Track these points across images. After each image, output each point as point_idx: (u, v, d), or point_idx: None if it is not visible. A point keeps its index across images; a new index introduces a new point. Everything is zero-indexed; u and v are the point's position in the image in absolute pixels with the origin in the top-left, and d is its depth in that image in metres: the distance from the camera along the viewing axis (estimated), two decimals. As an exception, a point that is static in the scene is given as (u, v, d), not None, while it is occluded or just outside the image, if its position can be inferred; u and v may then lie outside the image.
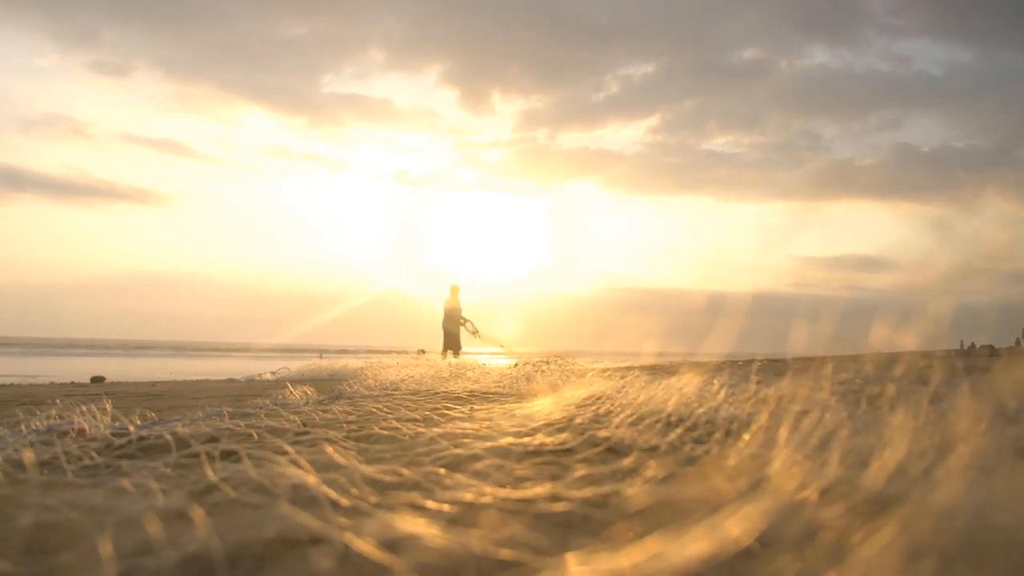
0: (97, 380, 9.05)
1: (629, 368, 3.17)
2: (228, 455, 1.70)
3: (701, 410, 1.87)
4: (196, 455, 1.72)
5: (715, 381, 2.11)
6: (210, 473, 1.35)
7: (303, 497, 1.16)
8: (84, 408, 2.23)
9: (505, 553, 0.76)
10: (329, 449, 1.39)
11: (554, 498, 0.99)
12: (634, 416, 2.02)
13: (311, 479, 1.20)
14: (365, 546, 0.73)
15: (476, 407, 2.84)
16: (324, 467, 1.42)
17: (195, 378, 10.05)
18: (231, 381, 8.78)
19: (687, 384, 2.28)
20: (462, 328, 13.28)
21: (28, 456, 1.55)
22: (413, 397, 3.48)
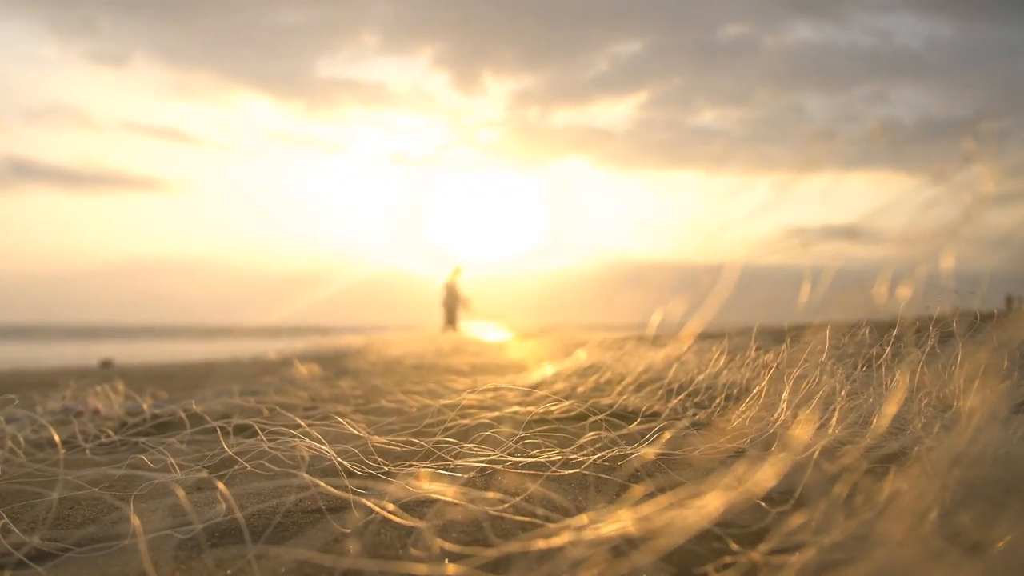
0: (106, 364, 9.11)
1: (626, 339, 3.21)
2: (242, 430, 1.74)
3: (701, 376, 1.91)
4: (210, 431, 1.76)
5: (713, 349, 2.14)
6: (226, 447, 1.38)
7: (320, 468, 1.20)
8: (99, 389, 2.27)
9: (522, 514, 0.80)
10: (342, 421, 1.43)
11: (565, 463, 1.02)
12: (635, 384, 2.05)
13: (327, 450, 1.24)
14: (387, 510, 0.77)
15: (479, 379, 2.89)
16: (337, 439, 1.46)
17: (200, 359, 10.11)
18: (236, 361, 8.84)
19: (685, 353, 2.32)
20: (460, 305, 13.54)
21: (51, 434, 1.59)
22: (417, 372, 3.53)
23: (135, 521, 0.71)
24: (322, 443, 1.29)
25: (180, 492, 0.70)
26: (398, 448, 1.45)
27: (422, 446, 1.40)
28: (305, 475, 0.84)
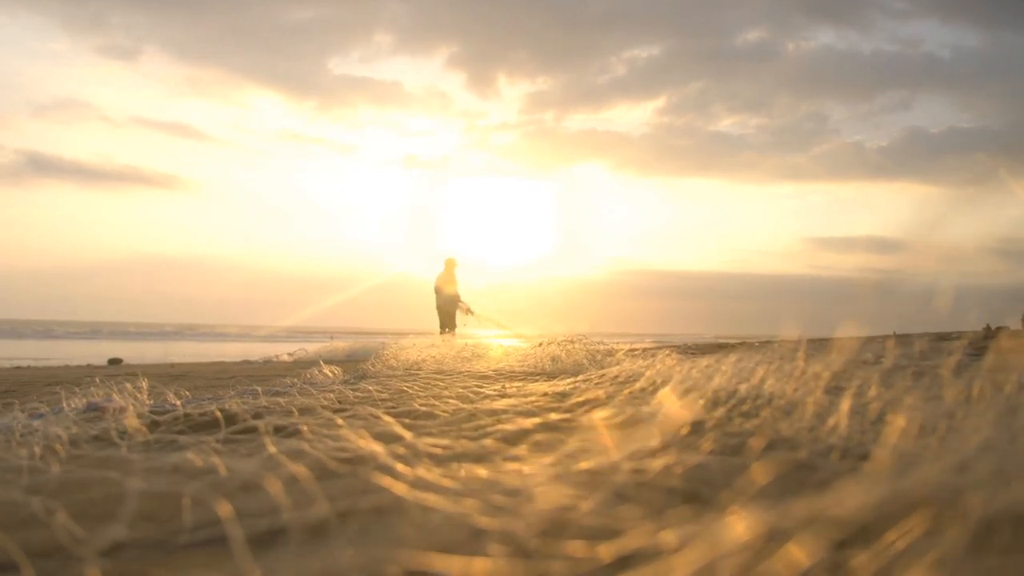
0: (114, 362, 9.12)
1: (658, 348, 3.18)
2: (278, 430, 1.72)
3: (744, 387, 1.88)
4: (244, 431, 1.75)
5: (752, 360, 2.11)
6: (271, 446, 1.37)
7: (372, 468, 1.18)
8: (128, 386, 2.26)
9: (607, 519, 0.77)
10: (388, 419, 1.41)
11: (633, 470, 1.00)
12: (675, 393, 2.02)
13: (379, 450, 1.21)
14: (470, 508, 0.75)
15: (507, 385, 2.86)
16: (379, 439, 1.43)
17: (210, 360, 10.12)
18: (247, 363, 8.84)
19: (722, 363, 2.29)
20: (460, 309, 12.25)
21: (84, 431, 1.58)
22: (440, 376, 3.51)
23: (222, 513, 0.69)
24: (370, 442, 1.27)
25: (276, 484, 0.68)
26: (442, 452, 1.43)
27: (470, 449, 1.38)
28: (378, 474, 0.82)
